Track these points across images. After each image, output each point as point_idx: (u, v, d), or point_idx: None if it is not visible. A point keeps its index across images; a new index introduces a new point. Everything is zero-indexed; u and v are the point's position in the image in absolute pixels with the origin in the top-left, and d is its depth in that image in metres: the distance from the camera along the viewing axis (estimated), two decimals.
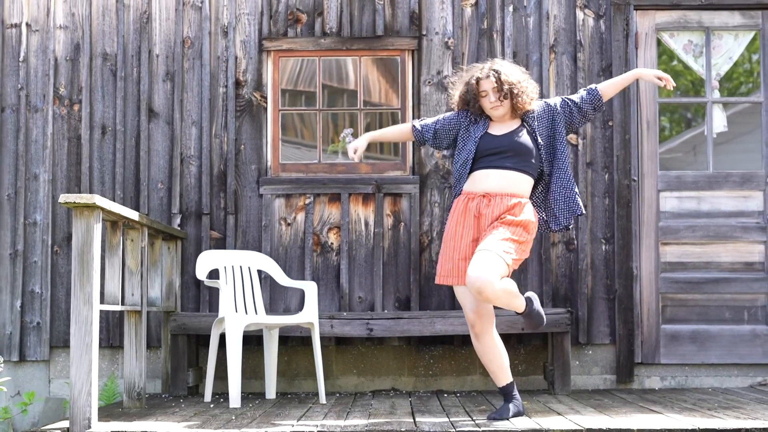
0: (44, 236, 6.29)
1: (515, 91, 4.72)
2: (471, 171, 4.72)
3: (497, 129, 4.77)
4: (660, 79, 4.89)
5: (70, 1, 6.38)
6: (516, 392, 4.72)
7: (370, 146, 6.49)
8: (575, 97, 4.86)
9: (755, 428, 4.26)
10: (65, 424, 4.44)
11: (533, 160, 4.72)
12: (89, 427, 4.34)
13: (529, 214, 4.67)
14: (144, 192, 6.30)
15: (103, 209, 4.51)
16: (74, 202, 4.35)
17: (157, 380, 6.17)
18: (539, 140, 4.75)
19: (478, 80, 4.77)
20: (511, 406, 4.65)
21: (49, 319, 6.25)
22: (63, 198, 4.35)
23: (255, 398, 5.84)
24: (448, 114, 4.91)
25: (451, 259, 4.70)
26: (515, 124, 4.79)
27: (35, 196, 6.32)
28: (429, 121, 4.93)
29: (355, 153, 4.86)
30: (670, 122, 12.11)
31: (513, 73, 4.77)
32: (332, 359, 6.30)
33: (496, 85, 4.72)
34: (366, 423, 4.52)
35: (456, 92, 4.92)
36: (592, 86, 4.88)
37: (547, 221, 4.84)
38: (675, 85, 4.97)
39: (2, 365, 5.17)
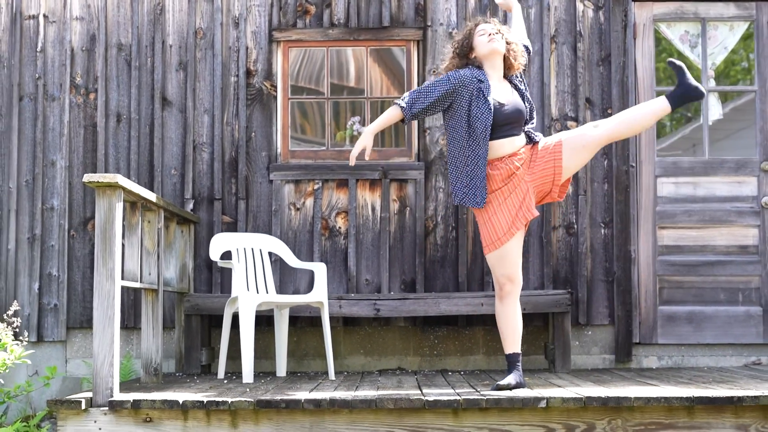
0: (61, 221, 6.50)
1: (510, 44, 4.96)
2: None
3: (499, 95, 4.92)
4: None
5: None
6: (520, 364, 4.93)
7: (378, 133, 6.72)
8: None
9: (746, 396, 4.47)
10: (89, 394, 4.65)
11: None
12: (111, 396, 4.55)
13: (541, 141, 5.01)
14: (158, 178, 6.51)
15: (124, 189, 4.71)
16: (98, 182, 4.56)
17: (171, 360, 6.37)
18: (526, 103, 5.00)
19: (478, 23, 5.00)
20: (513, 376, 4.86)
21: (66, 300, 6.46)
22: (87, 177, 4.56)
23: (266, 376, 6.05)
24: (441, 86, 4.88)
25: (508, 216, 4.85)
26: (508, 88, 4.98)
27: (52, 182, 6.53)
28: (418, 100, 4.89)
29: (365, 152, 4.96)
30: (670, 120, 12.30)
31: (504, 30, 5.03)
32: (340, 340, 6.51)
33: (496, 28, 4.96)
34: (376, 394, 4.73)
35: (447, 56, 5.10)
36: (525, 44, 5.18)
37: None
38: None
39: (26, 340, 5.38)
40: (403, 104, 4.89)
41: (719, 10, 6.59)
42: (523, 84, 5.09)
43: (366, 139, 4.94)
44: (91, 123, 6.57)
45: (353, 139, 6.77)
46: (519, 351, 4.93)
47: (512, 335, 4.92)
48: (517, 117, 4.92)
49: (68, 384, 6.41)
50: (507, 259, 4.87)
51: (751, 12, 6.57)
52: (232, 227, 6.49)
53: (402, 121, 4.94)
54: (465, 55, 5.00)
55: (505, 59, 4.99)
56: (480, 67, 4.97)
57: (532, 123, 5.04)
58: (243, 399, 4.49)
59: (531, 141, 4.99)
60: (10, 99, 6.55)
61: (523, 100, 5.00)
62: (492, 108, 4.85)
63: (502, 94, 4.94)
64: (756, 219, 6.50)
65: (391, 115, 4.94)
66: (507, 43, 4.98)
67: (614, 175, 6.46)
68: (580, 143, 4.91)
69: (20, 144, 6.54)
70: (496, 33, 4.95)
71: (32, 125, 6.56)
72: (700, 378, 5.50)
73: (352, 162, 5.02)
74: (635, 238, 6.48)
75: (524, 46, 5.16)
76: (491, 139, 4.87)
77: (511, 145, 4.91)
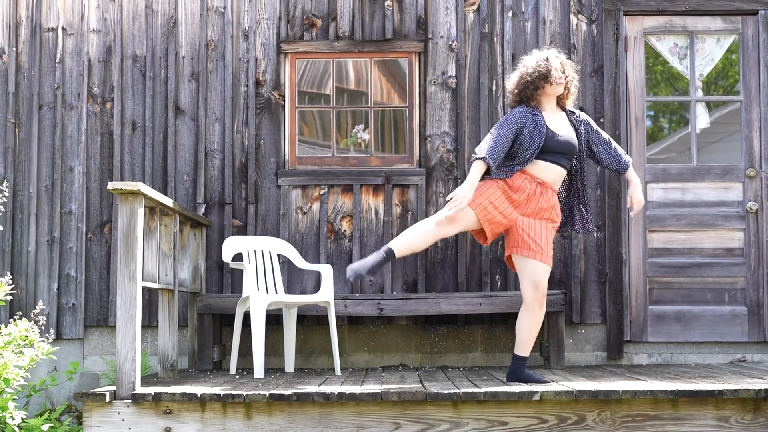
0: (79, 224, 6.82)
1: (568, 83, 5.43)
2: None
3: (555, 126, 5.40)
4: None
5: (103, 6, 6.91)
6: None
7: (379, 141, 7.04)
8: (611, 149, 5.56)
9: (727, 390, 4.79)
10: (112, 387, 4.97)
11: (573, 160, 5.48)
12: (134, 389, 4.86)
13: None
14: (171, 183, 6.82)
15: (145, 195, 5.02)
16: (121, 189, 4.87)
17: (184, 357, 6.68)
18: (580, 145, 5.46)
19: (548, 58, 5.40)
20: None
21: (83, 300, 6.77)
22: (111, 185, 4.87)
23: (275, 372, 6.36)
24: (505, 132, 5.26)
25: (496, 209, 5.30)
26: (565, 121, 5.47)
27: (70, 188, 6.85)
28: (496, 150, 5.22)
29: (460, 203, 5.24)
30: (669, 123, 12.58)
31: (567, 65, 5.48)
32: (345, 338, 6.82)
33: (561, 67, 5.40)
34: (380, 388, 5.04)
35: (512, 81, 5.48)
36: (627, 159, 5.57)
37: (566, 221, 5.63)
38: None
39: (52, 336, 5.69)
40: (488, 158, 5.18)
41: (706, 24, 6.91)
42: (582, 125, 5.48)
43: (468, 194, 5.18)
44: (108, 131, 6.88)
45: (357, 146, 7.08)
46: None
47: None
48: (568, 148, 5.37)
49: (86, 380, 6.72)
50: (460, 220, 5.36)
51: (737, 25, 6.89)
52: (242, 230, 6.81)
53: (488, 171, 5.26)
54: (534, 88, 5.37)
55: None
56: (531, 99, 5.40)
57: (621, 159, 5.54)
58: (257, 392, 4.80)
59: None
60: (30, 108, 6.87)
61: (579, 141, 5.44)
62: (543, 135, 5.29)
63: (556, 124, 5.39)
64: (741, 223, 6.82)
65: (479, 169, 5.21)
66: (566, 78, 5.41)
67: (606, 181, 6.78)
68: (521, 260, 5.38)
69: (40, 151, 6.86)
70: (562, 73, 5.38)
71: (51, 133, 6.87)
72: (686, 374, 5.81)
73: (453, 210, 5.25)
74: (626, 241, 6.79)
75: (625, 162, 5.59)
76: (539, 158, 5.33)
77: (554, 172, 5.35)
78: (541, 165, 5.35)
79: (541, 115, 5.36)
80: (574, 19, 6.87)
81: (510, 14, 6.86)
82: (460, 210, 5.22)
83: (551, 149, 5.33)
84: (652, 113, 11.12)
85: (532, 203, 5.34)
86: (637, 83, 6.87)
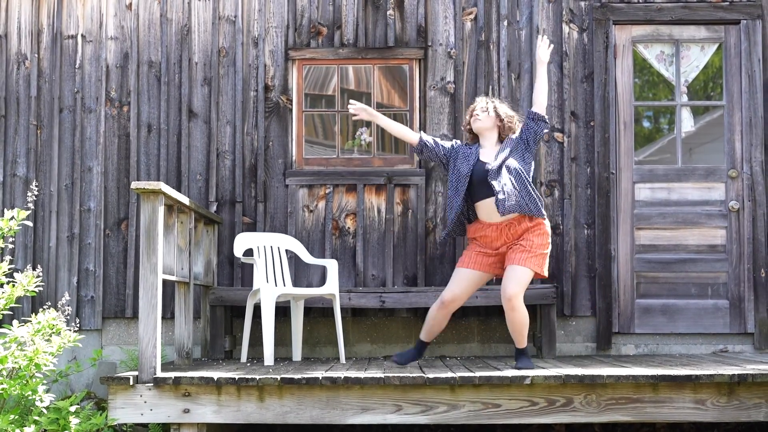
0: (97, 221, 7.21)
1: (502, 117, 5.98)
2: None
3: (484, 155, 6.01)
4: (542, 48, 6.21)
5: (120, 15, 7.29)
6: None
7: (381, 143, 7.41)
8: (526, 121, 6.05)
9: (703, 374, 5.18)
10: (135, 372, 5.35)
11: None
12: (155, 373, 5.24)
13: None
14: (185, 183, 7.21)
15: (165, 194, 5.41)
16: (143, 188, 5.25)
17: (197, 347, 7.07)
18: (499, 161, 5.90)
19: (475, 106, 6.09)
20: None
21: (101, 293, 7.16)
22: (134, 185, 5.25)
23: (283, 360, 6.75)
24: (450, 142, 6.14)
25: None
26: (496, 149, 6.02)
27: (89, 186, 7.24)
28: (431, 138, 6.12)
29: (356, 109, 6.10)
30: (669, 123, 12.87)
31: (504, 108, 6.06)
32: (349, 329, 7.21)
33: (485, 105, 5.98)
34: (383, 373, 5.43)
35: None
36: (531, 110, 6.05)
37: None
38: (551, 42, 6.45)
39: (78, 324, 6.07)
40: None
41: (691, 33, 7.30)
42: (509, 145, 5.98)
43: (370, 111, 6.17)
44: (125, 133, 7.27)
45: (360, 147, 7.46)
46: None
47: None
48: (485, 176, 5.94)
49: (104, 368, 7.10)
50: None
51: (720, 34, 7.28)
52: (251, 227, 7.20)
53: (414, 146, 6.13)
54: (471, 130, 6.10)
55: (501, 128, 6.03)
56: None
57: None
58: (269, 376, 5.19)
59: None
60: (51, 111, 7.26)
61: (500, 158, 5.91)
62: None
63: (488, 155, 5.97)
64: (724, 221, 7.21)
65: (406, 133, 6.20)
66: (498, 116, 5.98)
67: (596, 181, 7.17)
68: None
69: (60, 152, 7.24)
70: (483, 111, 5.98)
71: (71, 135, 7.26)
72: (669, 362, 6.19)
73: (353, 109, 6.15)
74: (615, 238, 7.18)
75: (533, 113, 5.99)
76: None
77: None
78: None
79: (476, 150, 6.02)
80: (566, 28, 7.25)
81: (505, 23, 7.25)
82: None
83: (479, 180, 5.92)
84: (650, 113, 11.49)
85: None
86: (625, 89, 7.26)
